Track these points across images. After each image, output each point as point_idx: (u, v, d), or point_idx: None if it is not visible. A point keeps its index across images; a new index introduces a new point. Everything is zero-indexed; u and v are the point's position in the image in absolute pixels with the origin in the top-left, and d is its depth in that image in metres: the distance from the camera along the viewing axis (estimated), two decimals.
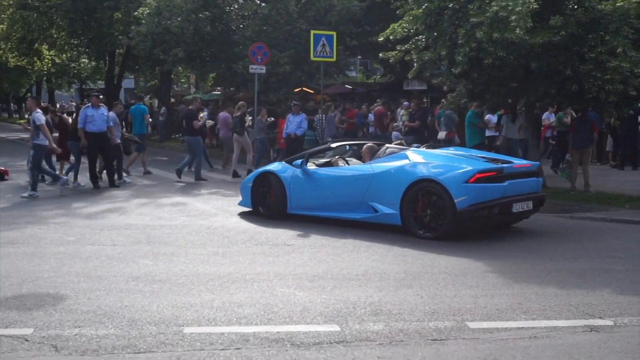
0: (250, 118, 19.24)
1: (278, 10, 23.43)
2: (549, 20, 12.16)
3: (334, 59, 17.67)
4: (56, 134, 15.85)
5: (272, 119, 21.08)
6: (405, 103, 21.13)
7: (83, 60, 41.48)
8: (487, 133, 16.17)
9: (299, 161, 10.74)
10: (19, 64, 39.69)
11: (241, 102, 18.79)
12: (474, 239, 9.14)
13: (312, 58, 17.44)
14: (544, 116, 18.60)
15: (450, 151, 10.12)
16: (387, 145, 10.52)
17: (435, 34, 13.30)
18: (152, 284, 6.67)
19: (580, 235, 9.81)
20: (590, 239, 9.45)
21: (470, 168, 8.98)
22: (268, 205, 10.94)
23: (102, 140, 14.69)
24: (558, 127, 17.23)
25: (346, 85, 33.08)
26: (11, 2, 34.53)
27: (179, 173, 16.28)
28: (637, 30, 12.23)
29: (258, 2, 23.26)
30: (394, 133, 19.64)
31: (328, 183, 10.31)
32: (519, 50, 12.42)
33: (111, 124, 15.06)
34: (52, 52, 39.71)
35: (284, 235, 9.47)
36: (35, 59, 39.91)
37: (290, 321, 5.53)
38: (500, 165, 9.31)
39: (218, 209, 11.89)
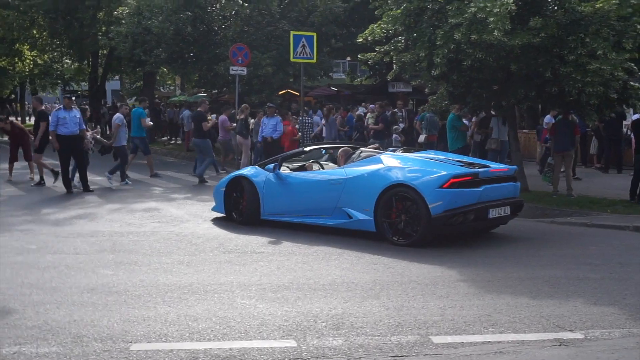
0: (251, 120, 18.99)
1: (260, 11, 23.21)
2: (529, 21, 11.99)
3: (314, 61, 17.41)
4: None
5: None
6: (370, 106, 20.99)
7: (66, 61, 41.08)
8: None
9: (271, 165, 10.47)
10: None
11: (244, 105, 18.67)
12: (450, 246, 8.94)
13: (291, 59, 17.15)
14: (546, 119, 18.39)
15: (426, 155, 9.87)
16: (361, 148, 10.27)
17: (415, 35, 13.09)
18: (108, 295, 6.41)
19: (558, 241, 9.62)
20: (569, 245, 9.26)
21: (444, 173, 8.74)
22: (241, 211, 10.67)
23: (75, 143, 14.36)
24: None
25: (331, 87, 32.92)
26: None
27: (201, 179, 16.21)
28: (617, 32, 12.06)
29: (240, 2, 22.96)
30: (394, 136, 19.48)
31: (301, 188, 10.05)
32: (498, 52, 12.23)
33: (83, 126, 14.78)
34: (33, 53, 39.30)
35: (254, 242, 9.23)
36: (16, 59, 39.47)
37: (245, 336, 5.29)
38: (476, 169, 9.07)
39: (191, 215, 11.63)
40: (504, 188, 9.31)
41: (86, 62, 37.39)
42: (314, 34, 17.24)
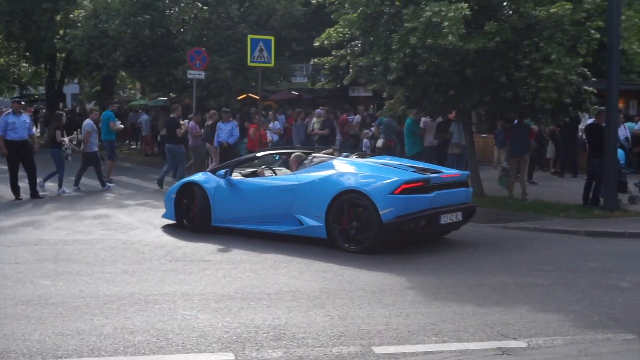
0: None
1: (219, 14, 22.97)
2: (484, 26, 12.02)
3: (272, 65, 17.22)
4: None
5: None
6: (317, 110, 20.96)
7: (24, 65, 40.29)
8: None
9: (222, 171, 10.29)
10: None
11: (212, 111, 18.40)
12: (401, 252, 8.87)
13: (249, 63, 16.96)
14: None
15: (379, 160, 9.78)
16: (314, 154, 10.12)
17: (371, 39, 13.04)
18: (44, 307, 6.18)
19: (510, 246, 9.62)
20: (520, 250, 9.26)
21: (396, 178, 8.64)
22: (191, 218, 10.46)
23: (24, 148, 13.99)
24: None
25: (292, 92, 32.78)
26: None
27: (160, 183, 16.06)
28: (572, 37, 12.16)
29: (199, 5, 22.69)
30: (364, 140, 19.42)
31: (252, 194, 9.87)
32: (453, 56, 12.23)
33: (33, 131, 14.42)
34: None
35: (203, 249, 9.04)
36: None
37: (182, 349, 5.12)
38: (427, 175, 8.98)
39: (142, 222, 11.39)
40: (456, 194, 9.25)
41: (43, 65, 36.63)
42: (272, 38, 17.08)
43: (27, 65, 39.47)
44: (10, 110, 14.23)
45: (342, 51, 13.91)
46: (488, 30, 11.99)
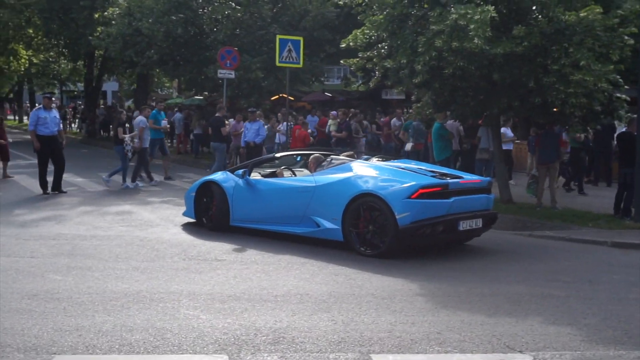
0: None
1: (252, 15, 23.02)
2: (512, 30, 11.77)
3: (300, 65, 17.16)
4: None
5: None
6: (332, 112, 20.81)
7: (63, 61, 40.89)
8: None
9: (240, 171, 10.30)
10: None
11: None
12: (418, 258, 8.71)
13: (277, 63, 16.95)
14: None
15: (399, 164, 9.59)
16: (333, 156, 10.03)
17: (399, 41, 12.87)
18: (48, 302, 6.18)
19: (532, 255, 9.38)
20: (541, 260, 9.02)
21: (413, 183, 8.47)
22: (210, 217, 10.46)
23: (54, 143, 14.13)
24: (572, 144, 16.72)
25: (326, 93, 32.70)
26: None
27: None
28: (604, 43, 11.84)
29: (232, 5, 22.76)
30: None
31: (270, 195, 9.79)
32: (480, 60, 12.00)
33: (61, 127, 14.59)
34: (29, 52, 39.19)
35: (218, 249, 9.00)
36: (11, 58, 39.32)
37: (178, 350, 5.05)
38: (446, 180, 8.78)
39: (163, 219, 11.40)
40: (476, 200, 9.04)
41: (81, 62, 37.14)
42: (301, 39, 17.02)
43: (65, 62, 40.00)
44: (41, 105, 14.34)
45: (368, 53, 13.76)
46: (516, 34, 11.74)
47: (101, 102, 40.14)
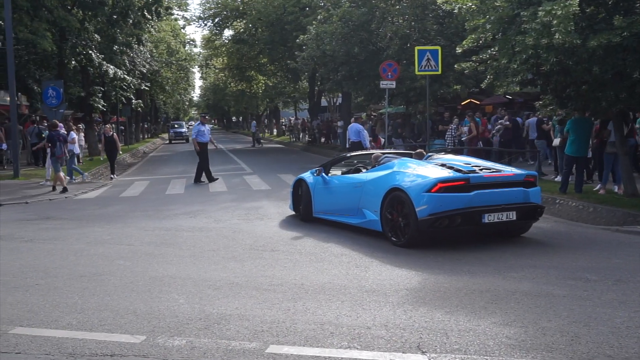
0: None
1: (418, 30, 22.27)
2: (605, 22, 10.00)
3: (439, 72, 16.34)
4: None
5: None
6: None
7: (286, 83, 43.19)
8: None
9: (315, 169, 10.46)
10: (238, 88, 42.50)
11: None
12: (458, 249, 7.77)
13: (416, 72, 16.33)
14: None
15: (443, 160, 8.91)
16: (387, 154, 9.76)
17: (502, 43, 11.58)
18: (91, 281, 6.53)
19: (589, 249, 7.82)
20: (592, 256, 7.48)
21: (433, 177, 7.93)
22: (300, 209, 10.62)
23: (206, 148, 17.11)
24: None
25: (506, 96, 30.54)
26: (229, 39, 37.29)
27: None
28: None
29: (401, 21, 22.23)
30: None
31: (336, 189, 9.79)
32: (578, 55, 10.36)
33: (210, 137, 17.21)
34: (263, 78, 42.01)
35: (289, 241, 8.78)
36: (252, 83, 42.49)
37: (123, 331, 5.01)
38: (466, 175, 7.98)
39: (280, 213, 11.45)
40: (507, 193, 8.06)
41: (300, 82, 38.94)
42: (439, 48, 16.21)
43: (287, 83, 42.22)
44: (199, 122, 17.54)
45: (481, 55, 12.57)
46: (618, 24, 9.93)
47: (320, 116, 41.57)
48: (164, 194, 15.36)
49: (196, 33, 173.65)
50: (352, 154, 11.13)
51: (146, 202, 13.81)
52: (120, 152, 19.91)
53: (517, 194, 8.12)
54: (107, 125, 20.16)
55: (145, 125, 57.10)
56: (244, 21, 39.45)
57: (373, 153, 10.15)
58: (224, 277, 6.68)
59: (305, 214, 10.35)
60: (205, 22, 42.58)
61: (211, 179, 17.26)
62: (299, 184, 10.75)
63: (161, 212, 11.97)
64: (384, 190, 8.40)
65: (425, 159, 9.12)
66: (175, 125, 55.59)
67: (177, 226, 10.23)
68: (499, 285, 6.18)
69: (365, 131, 18.18)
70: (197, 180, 17.21)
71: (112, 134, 19.45)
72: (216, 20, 41.46)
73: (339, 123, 32.15)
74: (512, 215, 8.05)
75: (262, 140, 40.98)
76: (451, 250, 7.82)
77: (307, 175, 10.63)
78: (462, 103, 31.10)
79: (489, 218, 7.87)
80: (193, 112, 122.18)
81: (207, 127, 17.58)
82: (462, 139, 18.01)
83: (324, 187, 10.06)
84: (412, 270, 6.83)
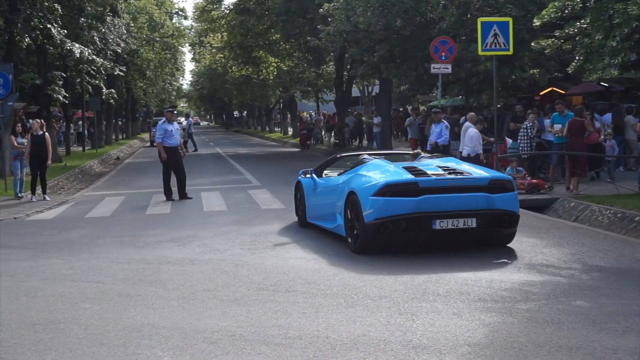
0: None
1: None
2: None
3: (510, 52, 16.21)
4: None
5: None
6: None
7: (306, 67, 43.37)
8: None
9: (303, 170, 12.79)
10: (242, 73, 42.87)
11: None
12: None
13: (480, 52, 16.27)
14: None
15: (412, 164, 10.75)
16: (364, 155, 11.72)
17: (595, 13, 11.54)
18: (47, 332, 6.59)
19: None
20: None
21: (380, 180, 9.62)
22: (298, 214, 12.84)
23: (177, 154, 17.30)
24: None
25: (601, 83, 30.32)
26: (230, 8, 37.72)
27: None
28: None
29: None
30: None
31: (321, 192, 11.76)
32: None
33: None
34: (275, 60, 42.31)
35: (324, 281, 8.80)
36: (260, 67, 42.80)
37: None
38: (414, 178, 9.57)
39: (299, 241, 11.44)
40: (465, 198, 9.49)
41: (326, 66, 39.13)
42: (510, 20, 16.08)
43: (307, 66, 42.36)
44: (164, 119, 17.61)
45: (566, 30, 12.52)
46: None
47: (351, 110, 41.74)
48: (143, 213, 15.48)
49: (187, 1, 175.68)
50: (343, 154, 14.17)
51: (120, 224, 13.91)
52: (50, 163, 18.87)
53: (477, 200, 9.45)
54: (35, 121, 19.01)
55: (120, 123, 57.73)
56: None
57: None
58: (223, 326, 6.70)
59: (301, 219, 12.36)
60: None
61: (183, 196, 17.24)
62: (298, 187, 12.76)
63: (140, 239, 12.06)
64: (345, 193, 10.29)
65: (417, 160, 11.15)
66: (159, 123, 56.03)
67: (161, 257, 10.28)
68: (594, 340, 6.09)
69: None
70: (183, 195, 17.26)
71: (43, 133, 18.61)
72: None
73: (376, 120, 32.20)
74: (472, 223, 9.42)
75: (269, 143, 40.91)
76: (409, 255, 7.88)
77: (304, 177, 12.57)
78: (541, 93, 30.98)
79: (441, 224, 9.35)
80: (182, 104, 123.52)
81: (176, 125, 17.67)
82: (550, 139, 17.79)
83: (313, 190, 11.99)
84: (475, 319, 6.77)
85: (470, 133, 16.54)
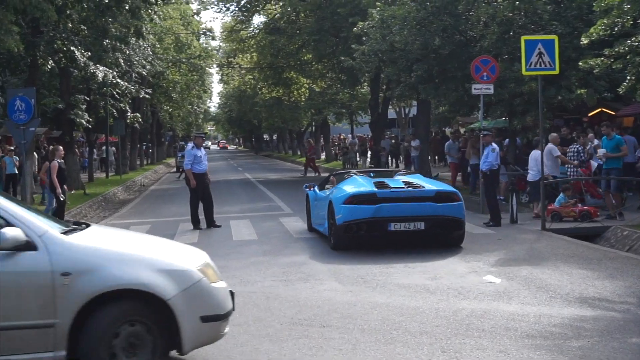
0: None
1: (525, 13, 22.15)
2: None
3: (556, 72, 16.11)
4: None
5: None
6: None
7: (339, 87, 43.52)
8: None
9: (307, 184, 16.86)
10: (273, 94, 43.12)
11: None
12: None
13: (523, 72, 16.23)
14: None
15: (380, 179, 14.20)
16: (351, 171, 16.47)
17: None
18: None
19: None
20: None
21: (348, 192, 13.03)
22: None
23: (204, 181, 17.58)
24: None
25: None
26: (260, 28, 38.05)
27: None
28: None
29: (497, 3, 22.18)
30: None
31: (318, 203, 14.92)
32: None
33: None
34: (306, 81, 42.51)
35: (361, 315, 8.76)
36: (291, 88, 43.03)
37: None
38: (373, 190, 13.04)
39: (335, 272, 11.42)
40: (414, 207, 12.72)
41: (360, 87, 39.23)
42: (555, 38, 15.98)
43: (340, 87, 42.47)
44: (192, 144, 17.85)
45: (616, 48, 12.43)
46: None
47: (387, 132, 41.72)
48: None
49: (215, 21, 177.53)
50: (337, 172, 18.31)
51: None
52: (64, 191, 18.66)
53: (425, 208, 12.69)
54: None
55: (144, 147, 58.18)
56: (281, 4, 40.16)
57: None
58: None
59: (309, 224, 16.06)
60: (228, 5, 43.53)
61: (211, 224, 17.48)
62: (307, 199, 16.18)
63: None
64: (327, 202, 13.58)
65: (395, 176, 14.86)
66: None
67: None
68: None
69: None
70: (211, 223, 17.48)
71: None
72: (242, 2, 42.34)
73: (414, 143, 32.15)
74: (421, 226, 12.58)
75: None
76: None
77: (310, 190, 16.03)
78: (590, 114, 30.71)
79: (395, 227, 12.51)
80: (209, 128, 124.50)
81: (204, 151, 18.03)
82: (600, 163, 17.65)
83: (314, 200, 15.33)
84: (523, 358, 6.69)
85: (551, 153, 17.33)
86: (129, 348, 6.19)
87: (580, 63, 13.78)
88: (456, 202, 12.99)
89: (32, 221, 6.32)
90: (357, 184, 13.51)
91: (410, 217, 12.56)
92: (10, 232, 6.05)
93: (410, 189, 13.14)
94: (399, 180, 13.86)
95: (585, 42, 12.88)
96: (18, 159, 24.32)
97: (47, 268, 6.09)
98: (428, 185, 13.71)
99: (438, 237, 13.10)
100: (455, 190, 13.87)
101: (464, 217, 13.14)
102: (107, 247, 6.61)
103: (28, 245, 6.10)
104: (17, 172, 23.97)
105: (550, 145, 17.58)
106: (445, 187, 14.27)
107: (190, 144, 18.84)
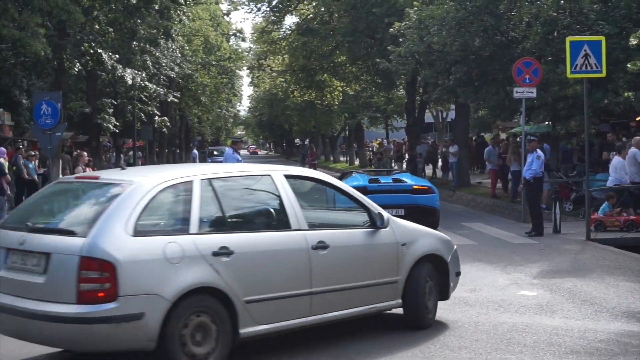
0: None
1: (570, 12, 22.05)
2: None
3: (603, 74, 16.05)
4: None
5: None
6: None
7: (374, 91, 43.52)
8: None
9: None
10: (305, 98, 43.26)
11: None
12: None
13: (568, 75, 16.20)
14: None
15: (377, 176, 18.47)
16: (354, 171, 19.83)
17: None
18: None
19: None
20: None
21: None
22: None
23: None
24: None
25: None
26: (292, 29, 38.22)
27: None
28: None
29: (541, 2, 22.07)
30: None
31: None
32: None
33: None
34: (340, 84, 42.60)
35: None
36: (324, 92, 43.16)
37: None
38: (365, 184, 16.52)
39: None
40: (396, 197, 16.65)
41: (395, 91, 39.24)
42: (602, 39, 15.93)
43: (375, 90, 42.41)
44: (232, 149, 18.83)
45: None
46: None
47: (427, 137, 41.69)
48: None
49: (245, 22, 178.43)
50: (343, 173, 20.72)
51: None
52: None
53: (404, 198, 16.61)
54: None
55: (174, 152, 58.51)
56: (314, 3, 40.26)
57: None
58: None
59: None
60: (259, 5, 43.74)
61: None
62: None
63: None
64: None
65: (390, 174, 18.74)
66: (215, 153, 56.47)
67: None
68: None
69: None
70: None
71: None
72: (274, 2, 42.54)
73: (452, 149, 32.03)
74: (401, 212, 15.33)
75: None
76: None
77: None
78: (638, 118, 30.44)
79: None
80: (239, 132, 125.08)
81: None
82: None
83: None
84: None
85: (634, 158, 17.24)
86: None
87: (628, 65, 13.71)
88: (430, 194, 17.25)
89: (379, 208, 8.82)
90: (354, 180, 17.34)
91: (393, 205, 15.49)
92: (386, 215, 8.66)
93: (394, 183, 17.45)
94: (389, 178, 18.22)
95: (634, 42, 12.82)
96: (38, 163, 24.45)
97: (394, 240, 8.61)
98: (409, 180, 18.12)
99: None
100: (430, 185, 18.30)
101: (437, 206, 17.34)
102: (414, 226, 9.20)
103: (383, 224, 8.59)
104: (36, 178, 23.72)
105: (634, 149, 17.35)
106: (422, 182, 18.98)
107: (229, 149, 19.65)
